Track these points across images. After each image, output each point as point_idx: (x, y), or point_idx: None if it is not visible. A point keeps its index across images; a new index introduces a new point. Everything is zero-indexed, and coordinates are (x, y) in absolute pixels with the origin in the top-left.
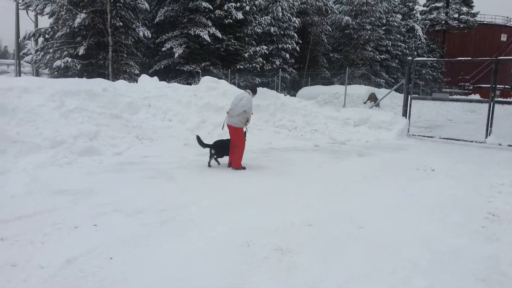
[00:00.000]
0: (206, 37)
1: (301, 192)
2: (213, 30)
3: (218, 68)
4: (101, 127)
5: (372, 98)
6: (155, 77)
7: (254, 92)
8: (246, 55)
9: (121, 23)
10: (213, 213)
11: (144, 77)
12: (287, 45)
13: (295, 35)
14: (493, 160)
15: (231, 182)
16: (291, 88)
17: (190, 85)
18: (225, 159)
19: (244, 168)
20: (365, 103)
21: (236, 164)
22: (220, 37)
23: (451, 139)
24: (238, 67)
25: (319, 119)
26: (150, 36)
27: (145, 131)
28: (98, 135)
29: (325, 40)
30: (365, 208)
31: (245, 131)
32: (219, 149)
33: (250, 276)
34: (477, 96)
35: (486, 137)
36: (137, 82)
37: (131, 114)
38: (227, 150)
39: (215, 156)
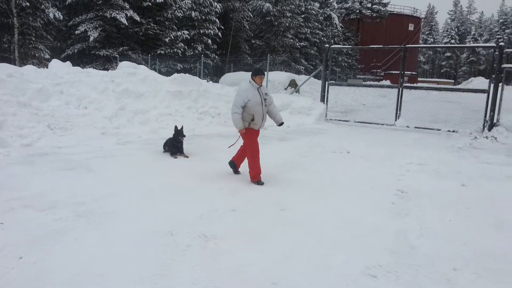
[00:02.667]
0: (124, 20)
1: (225, 179)
2: (130, 13)
3: (137, 53)
4: (7, 116)
5: (293, 84)
6: (68, 62)
7: (255, 74)
8: (166, 40)
9: (27, 3)
10: (135, 204)
11: (55, 62)
12: (209, 30)
13: (217, 20)
14: (402, 141)
15: (154, 171)
16: (214, 74)
17: (107, 70)
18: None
19: (261, 182)
20: (286, 89)
21: (251, 176)
22: (139, 21)
23: (365, 123)
24: (158, 52)
25: None
26: (61, 18)
27: (57, 120)
28: (4, 125)
29: (247, 26)
30: (288, 192)
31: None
32: (169, 146)
33: (174, 265)
34: (387, 82)
35: (396, 120)
36: (47, 68)
37: (41, 101)
38: (176, 147)
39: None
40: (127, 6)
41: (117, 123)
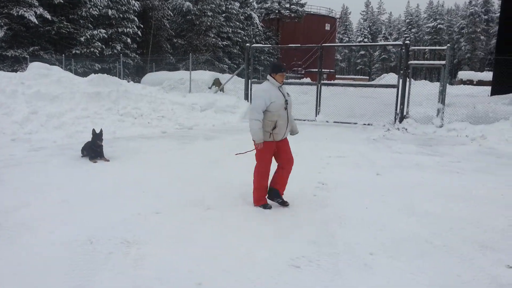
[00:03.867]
0: (33, 18)
1: (148, 182)
2: (40, 10)
3: (50, 53)
4: None
5: (217, 83)
6: None
7: (275, 71)
8: (82, 39)
9: None
10: (50, 214)
11: None
12: (128, 29)
13: (136, 19)
14: (322, 136)
15: (71, 179)
16: (135, 74)
17: (16, 72)
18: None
19: (269, 206)
20: (210, 88)
21: (255, 198)
22: (50, 19)
23: None
24: (74, 52)
25: (165, 105)
26: None
27: None
28: None
29: (168, 25)
30: (213, 191)
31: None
32: (87, 151)
33: (95, 274)
34: (308, 80)
35: (316, 116)
36: None
37: None
38: (95, 151)
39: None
40: (36, 3)
41: (29, 128)
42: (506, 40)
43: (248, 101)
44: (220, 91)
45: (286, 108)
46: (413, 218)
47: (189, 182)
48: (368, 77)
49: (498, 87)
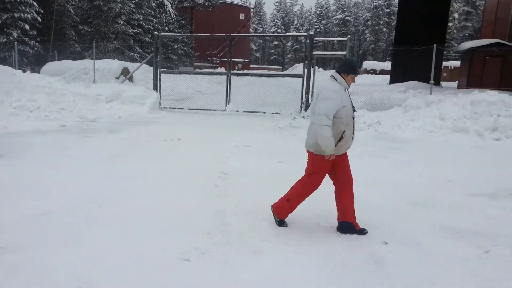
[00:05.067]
0: None
1: (36, 182)
2: None
3: None
4: None
5: (125, 72)
6: None
7: (348, 71)
8: None
9: None
10: None
11: None
12: (26, 14)
13: (35, 3)
14: (231, 125)
15: None
16: (35, 64)
17: None
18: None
19: (285, 224)
20: (117, 78)
21: (280, 208)
22: None
23: (199, 109)
24: None
25: (66, 96)
26: None
27: None
28: None
29: (72, 11)
30: (110, 187)
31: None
32: None
33: None
34: (222, 69)
35: (226, 105)
36: None
37: None
38: None
39: None
40: None
41: None
42: (402, 32)
43: (157, 92)
44: (129, 81)
45: (354, 117)
46: (306, 202)
47: (83, 180)
48: (281, 67)
49: (395, 77)
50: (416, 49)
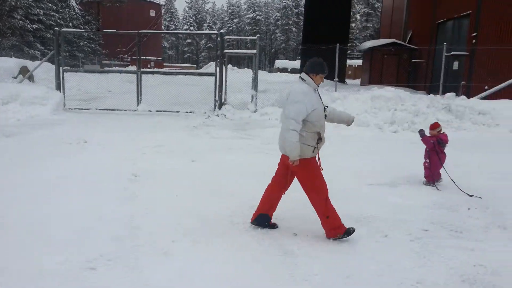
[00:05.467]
0: None
1: None
2: None
3: None
4: None
5: (24, 71)
6: None
7: (316, 71)
8: None
9: None
10: None
11: None
12: None
13: None
14: (142, 125)
15: None
16: None
17: None
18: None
19: (352, 229)
20: (15, 77)
21: (331, 228)
22: None
23: (108, 110)
24: None
25: None
26: None
27: None
28: None
29: None
30: (13, 196)
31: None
32: None
33: None
34: (134, 68)
35: (138, 105)
36: None
37: None
38: None
39: None
40: None
41: None
42: (309, 32)
43: (60, 92)
44: (29, 80)
45: (326, 116)
46: (219, 200)
47: None
48: (196, 65)
49: None
50: (321, 48)
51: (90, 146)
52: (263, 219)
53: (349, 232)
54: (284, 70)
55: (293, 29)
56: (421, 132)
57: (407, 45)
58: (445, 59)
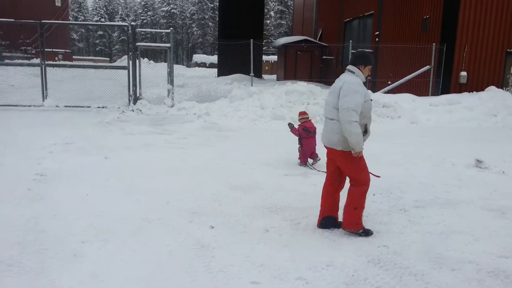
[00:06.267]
0: None
1: None
2: None
3: None
4: None
5: None
6: None
7: (364, 63)
8: None
9: None
10: None
11: None
12: None
13: None
14: (49, 122)
15: None
16: None
17: None
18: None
19: (366, 233)
20: None
21: (354, 221)
22: None
23: (9, 105)
24: None
25: None
26: None
27: None
28: None
29: None
30: None
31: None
32: None
33: None
34: (39, 60)
35: (44, 100)
36: None
37: None
38: None
39: None
40: None
41: None
42: (224, 27)
43: None
44: None
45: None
46: (133, 197)
47: None
48: (109, 59)
49: (222, 70)
50: (236, 43)
51: None
52: (328, 221)
53: (368, 232)
54: (203, 64)
55: (210, 23)
56: (290, 125)
57: (318, 42)
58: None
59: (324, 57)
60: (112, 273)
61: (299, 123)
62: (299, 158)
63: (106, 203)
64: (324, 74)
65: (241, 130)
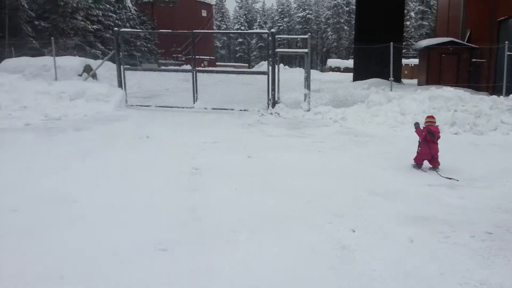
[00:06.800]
0: None
1: (4, 178)
2: None
3: None
4: None
5: (88, 70)
6: None
7: None
8: None
9: None
10: None
11: None
12: None
13: None
14: (199, 122)
15: None
16: None
17: None
18: None
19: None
20: (80, 75)
21: None
22: None
23: (167, 107)
24: None
25: (28, 94)
26: None
27: None
28: None
29: (26, 5)
30: (79, 183)
31: None
32: None
33: None
34: (188, 67)
35: (194, 103)
36: None
37: None
38: None
39: None
40: None
41: None
42: (362, 31)
43: (122, 89)
44: (92, 78)
45: None
46: (276, 195)
47: (53, 176)
48: (247, 64)
49: (358, 74)
50: (374, 47)
51: (153, 140)
52: None
53: None
54: (337, 69)
55: (345, 27)
56: (416, 125)
57: (466, 43)
58: (508, 59)
59: (474, 60)
60: (260, 261)
61: (424, 126)
62: (414, 159)
63: (252, 198)
64: (474, 79)
65: (379, 136)
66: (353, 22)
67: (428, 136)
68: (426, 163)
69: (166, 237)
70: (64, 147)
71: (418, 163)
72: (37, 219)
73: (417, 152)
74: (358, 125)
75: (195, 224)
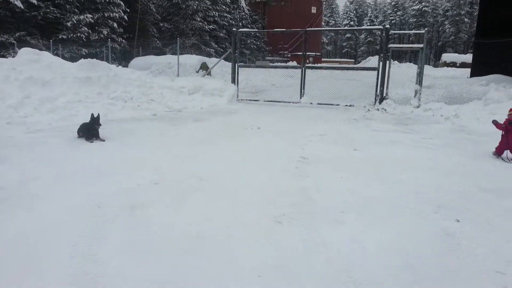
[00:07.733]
0: (18, 3)
1: (147, 158)
2: None
3: (37, 38)
4: None
5: (204, 67)
6: None
7: None
8: (68, 24)
9: None
10: (60, 185)
11: None
12: (114, 13)
13: (122, 3)
14: (305, 116)
15: (74, 156)
16: (122, 59)
17: (5, 57)
18: None
19: None
20: (197, 72)
21: None
22: (36, 4)
23: (274, 101)
24: (60, 37)
25: (154, 89)
26: None
27: None
28: None
29: (154, 9)
30: (205, 164)
31: None
32: (83, 132)
33: (105, 231)
34: (294, 63)
35: (301, 98)
36: None
37: None
38: (91, 132)
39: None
40: None
41: (23, 112)
42: (485, 24)
43: (235, 85)
44: (208, 75)
45: None
46: (383, 185)
47: (184, 158)
48: (353, 60)
49: (477, 69)
50: (500, 41)
51: (263, 132)
52: None
53: None
54: (452, 64)
55: (465, 19)
56: (494, 122)
57: None
58: None
59: None
60: (367, 239)
61: (506, 118)
62: (495, 148)
63: (358, 186)
64: None
65: (496, 135)
66: (476, 13)
67: (509, 127)
68: (507, 153)
69: (281, 213)
70: (187, 135)
71: (498, 153)
72: (173, 190)
73: (499, 143)
74: (472, 123)
75: (305, 205)
